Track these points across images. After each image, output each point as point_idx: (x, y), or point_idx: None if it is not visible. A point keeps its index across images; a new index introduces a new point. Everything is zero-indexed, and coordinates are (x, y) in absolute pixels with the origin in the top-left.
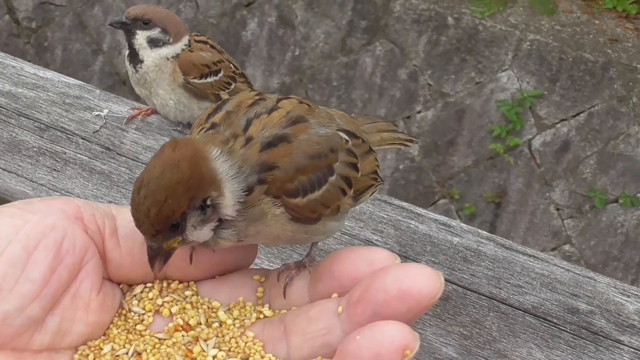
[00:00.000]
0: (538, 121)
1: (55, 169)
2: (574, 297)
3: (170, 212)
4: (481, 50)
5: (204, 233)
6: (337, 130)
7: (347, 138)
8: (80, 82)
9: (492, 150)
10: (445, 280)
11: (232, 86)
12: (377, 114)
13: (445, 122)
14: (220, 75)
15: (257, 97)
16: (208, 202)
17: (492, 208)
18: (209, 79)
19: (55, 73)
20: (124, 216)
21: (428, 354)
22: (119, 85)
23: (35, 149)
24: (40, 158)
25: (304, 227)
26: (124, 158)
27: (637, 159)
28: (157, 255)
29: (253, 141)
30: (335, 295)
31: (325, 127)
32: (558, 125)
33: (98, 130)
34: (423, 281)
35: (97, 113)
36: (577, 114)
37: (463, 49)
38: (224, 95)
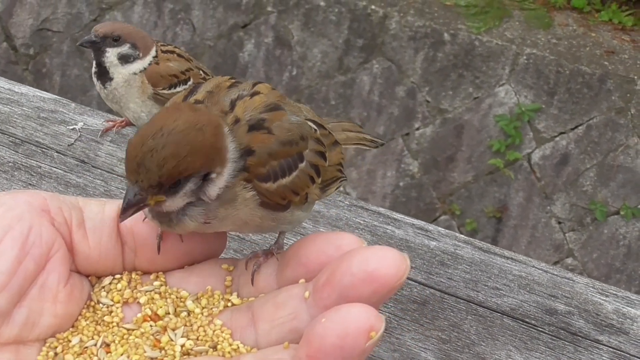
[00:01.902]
0: (537, 135)
1: (30, 184)
2: (552, 298)
3: (183, 170)
4: (478, 65)
5: (180, 203)
6: (306, 119)
7: (315, 127)
8: (55, 96)
9: (491, 165)
10: (423, 284)
11: None
12: (376, 132)
13: (444, 138)
14: (189, 83)
15: (233, 81)
16: (211, 176)
17: (493, 223)
18: (178, 88)
19: (30, 88)
20: (91, 208)
21: None
22: None
23: (10, 163)
24: (16, 173)
25: (272, 214)
26: (99, 170)
27: (637, 170)
28: (135, 205)
29: (240, 122)
30: (302, 280)
31: (296, 115)
32: (557, 139)
33: (73, 144)
34: (388, 263)
35: (72, 127)
36: (576, 127)
37: (460, 64)
38: None
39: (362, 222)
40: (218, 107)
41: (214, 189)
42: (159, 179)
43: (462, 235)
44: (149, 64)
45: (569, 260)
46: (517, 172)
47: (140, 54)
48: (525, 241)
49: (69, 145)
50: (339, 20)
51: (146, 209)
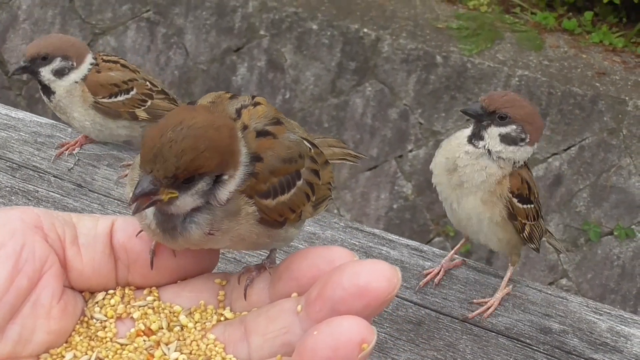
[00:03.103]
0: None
1: None
2: (547, 317)
3: (200, 165)
4: (470, 87)
5: (191, 203)
6: (302, 137)
7: (310, 146)
8: (52, 121)
9: None
10: (418, 304)
11: (149, 103)
12: (370, 154)
13: None
14: (132, 93)
15: (231, 94)
16: (223, 178)
17: None
18: (120, 98)
19: (27, 113)
20: (85, 224)
21: None
22: None
23: (7, 188)
24: (13, 197)
25: (268, 231)
26: (95, 194)
27: (630, 190)
28: (148, 195)
29: (249, 129)
30: (294, 294)
31: (293, 133)
32: (550, 160)
33: (72, 168)
34: (380, 276)
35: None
36: (568, 148)
37: (452, 86)
38: (141, 112)
39: (357, 243)
40: (225, 115)
41: (224, 193)
42: (176, 170)
43: (457, 256)
44: (88, 71)
45: (564, 281)
46: None
47: (74, 64)
48: (520, 262)
49: (69, 169)
50: (332, 44)
51: (152, 216)
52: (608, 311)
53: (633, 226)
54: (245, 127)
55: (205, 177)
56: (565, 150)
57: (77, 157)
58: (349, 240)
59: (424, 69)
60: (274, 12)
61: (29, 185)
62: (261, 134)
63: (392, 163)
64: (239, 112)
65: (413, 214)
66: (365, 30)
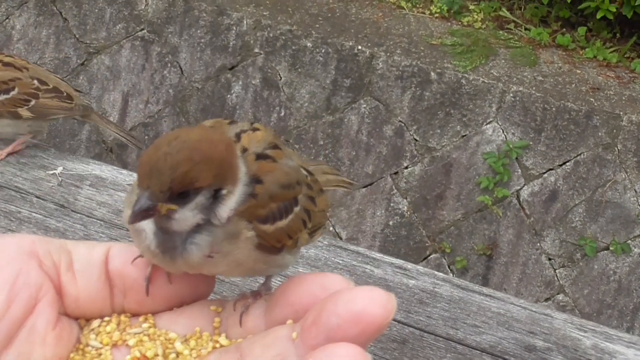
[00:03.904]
0: (525, 172)
1: (10, 229)
2: (531, 335)
3: (195, 177)
4: (465, 103)
5: (191, 219)
6: (299, 165)
7: (306, 174)
8: (35, 141)
9: (480, 202)
10: (402, 323)
11: (33, 102)
12: (365, 172)
13: (432, 177)
14: (13, 93)
15: (230, 120)
16: (222, 193)
17: (483, 260)
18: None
19: None
20: (80, 251)
21: None
22: (106, 153)
23: None
24: None
25: (265, 257)
26: (78, 215)
27: (625, 205)
28: (147, 211)
29: (248, 152)
30: (290, 321)
31: (291, 160)
32: (545, 175)
33: (53, 187)
34: (375, 303)
35: (51, 171)
36: (564, 163)
37: (447, 103)
38: (24, 112)
39: (341, 262)
40: (224, 133)
41: (224, 210)
42: (171, 183)
43: (441, 274)
44: None
45: (560, 297)
46: (507, 209)
47: None
48: (516, 278)
49: (51, 187)
50: (326, 61)
51: (152, 236)
52: (593, 328)
53: (629, 241)
54: (244, 150)
55: (203, 190)
56: (560, 165)
57: (60, 178)
58: (333, 258)
59: (419, 85)
60: (269, 30)
61: (11, 206)
62: (261, 157)
63: (388, 180)
64: (238, 135)
65: (409, 230)
66: (360, 47)
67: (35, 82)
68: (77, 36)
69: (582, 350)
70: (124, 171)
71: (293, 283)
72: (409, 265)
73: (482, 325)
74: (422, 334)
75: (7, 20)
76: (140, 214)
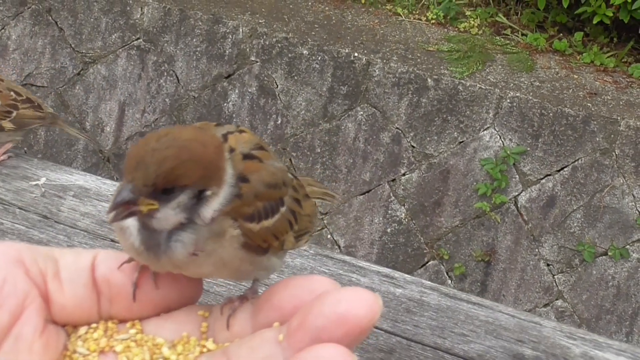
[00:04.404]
0: (523, 178)
1: None
2: (519, 343)
3: (181, 175)
4: (462, 109)
5: (173, 218)
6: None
7: (292, 177)
8: (17, 151)
9: (478, 209)
10: (389, 332)
11: (14, 114)
12: (362, 179)
13: (430, 183)
14: None
15: (217, 123)
16: (206, 194)
17: (482, 267)
18: None
19: None
20: (67, 258)
21: None
22: (103, 162)
23: None
24: None
25: (251, 257)
26: (62, 226)
27: (623, 210)
28: (127, 204)
29: (235, 152)
30: (277, 324)
31: (277, 162)
32: (543, 181)
33: (36, 197)
34: (360, 304)
35: (34, 182)
36: (561, 169)
37: (444, 109)
38: (6, 124)
39: (327, 271)
40: (213, 134)
41: (208, 211)
42: (155, 178)
43: (428, 282)
44: None
45: (559, 303)
46: (505, 215)
47: None
48: (515, 284)
49: (33, 197)
50: (323, 68)
51: (136, 233)
52: (582, 336)
53: (627, 246)
54: (232, 150)
55: (186, 190)
56: (558, 171)
57: (43, 189)
58: (319, 268)
59: (416, 92)
60: (264, 38)
61: None
62: (248, 156)
63: (385, 187)
64: (225, 136)
65: (407, 237)
66: (356, 54)
67: (12, 93)
68: (73, 46)
69: (571, 358)
70: (108, 181)
71: (279, 286)
72: (396, 274)
73: (470, 334)
74: (410, 344)
75: (3, 30)
76: (121, 207)
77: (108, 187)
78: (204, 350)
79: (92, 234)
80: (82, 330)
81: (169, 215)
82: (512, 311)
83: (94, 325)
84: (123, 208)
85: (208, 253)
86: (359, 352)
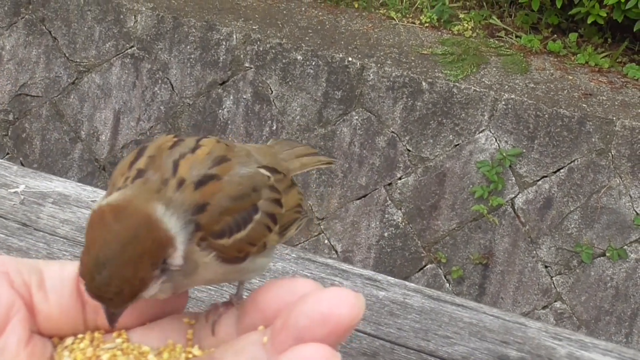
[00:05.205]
0: (519, 180)
1: None
2: (504, 344)
3: (141, 285)
4: (457, 112)
5: (155, 288)
6: (258, 167)
7: (269, 174)
8: None
9: (475, 211)
10: (372, 335)
11: None
12: (358, 183)
13: (426, 187)
14: None
15: (176, 139)
16: (167, 261)
17: (480, 270)
18: None
19: None
20: (51, 269)
21: None
22: (98, 171)
23: None
24: None
25: (233, 267)
26: (41, 233)
27: (621, 211)
28: (117, 316)
29: (185, 183)
30: (261, 327)
31: (245, 166)
32: (539, 183)
33: (15, 205)
34: (342, 303)
35: (13, 190)
36: (558, 170)
37: (439, 112)
38: None
39: (309, 274)
40: (160, 174)
41: (177, 260)
42: (125, 303)
43: (412, 284)
44: None
45: (558, 304)
46: (502, 218)
47: None
48: (513, 287)
49: (12, 205)
50: (317, 74)
51: None
52: (567, 336)
53: (625, 247)
54: (181, 183)
55: (151, 282)
56: (554, 172)
57: (22, 196)
58: (301, 271)
59: (410, 95)
60: (258, 44)
61: None
62: (201, 183)
63: (382, 191)
64: (176, 164)
65: (404, 241)
66: (350, 59)
67: None
68: (67, 55)
69: (557, 359)
70: (88, 187)
71: (263, 290)
72: (379, 277)
73: (454, 336)
74: (393, 347)
75: None
76: (115, 319)
77: (88, 193)
78: (190, 356)
79: (72, 241)
80: (69, 340)
81: (151, 291)
82: (497, 312)
83: (80, 335)
84: (116, 318)
85: (187, 285)
86: (343, 356)
